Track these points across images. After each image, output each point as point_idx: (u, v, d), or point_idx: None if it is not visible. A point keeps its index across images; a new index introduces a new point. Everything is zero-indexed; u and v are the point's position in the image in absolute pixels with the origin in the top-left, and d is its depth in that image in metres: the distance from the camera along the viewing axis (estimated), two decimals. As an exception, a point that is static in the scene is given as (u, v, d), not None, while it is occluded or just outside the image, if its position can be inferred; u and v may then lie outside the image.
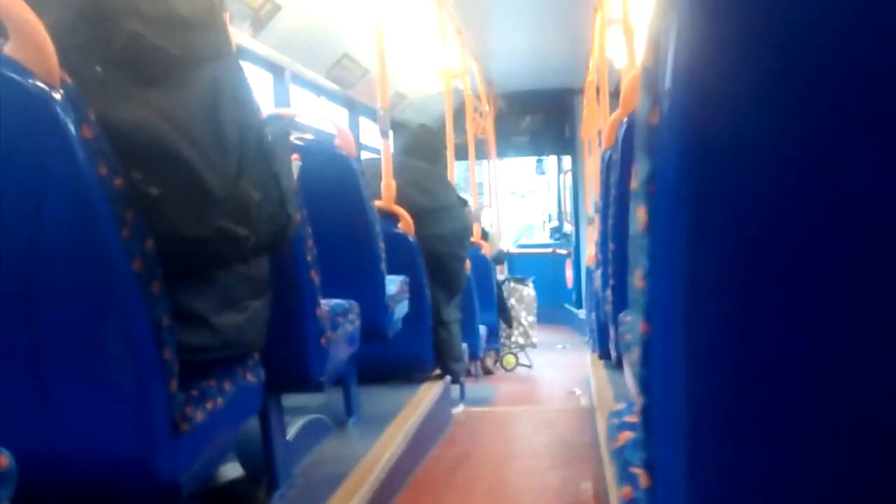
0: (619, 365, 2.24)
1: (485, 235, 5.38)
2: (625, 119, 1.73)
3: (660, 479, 0.54)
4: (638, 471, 0.74)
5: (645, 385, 0.53)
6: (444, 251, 3.09)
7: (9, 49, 0.93)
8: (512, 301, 5.67)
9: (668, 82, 0.42)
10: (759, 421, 0.48)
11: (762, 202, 0.42)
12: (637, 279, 0.50)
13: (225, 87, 1.12)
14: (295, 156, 1.66)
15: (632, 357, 0.55)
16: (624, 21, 2.49)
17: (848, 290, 0.43)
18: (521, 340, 5.69)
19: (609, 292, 1.95)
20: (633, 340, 0.54)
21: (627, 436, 0.80)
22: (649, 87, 0.44)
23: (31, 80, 0.93)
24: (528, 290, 5.83)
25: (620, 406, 0.90)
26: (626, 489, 0.73)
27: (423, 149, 3.17)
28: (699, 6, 0.40)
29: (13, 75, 0.92)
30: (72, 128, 0.95)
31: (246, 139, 1.14)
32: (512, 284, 5.79)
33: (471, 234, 3.47)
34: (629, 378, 1.43)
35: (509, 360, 5.57)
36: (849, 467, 0.46)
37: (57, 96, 0.94)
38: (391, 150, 2.96)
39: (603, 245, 2.18)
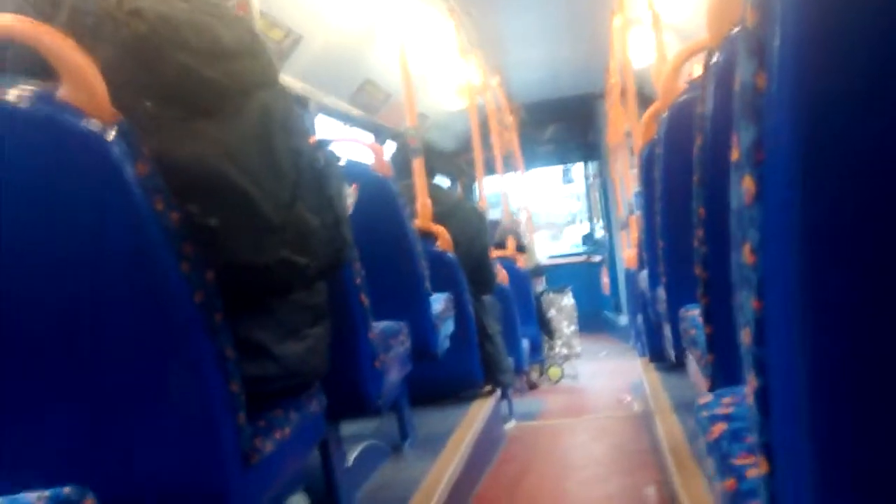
0: (676, 365, 2.19)
1: (521, 249, 5.35)
2: (664, 113, 1.70)
3: (781, 462, 0.51)
4: (742, 461, 0.71)
5: (760, 365, 0.50)
6: (478, 247, 3.06)
7: (62, 92, 0.93)
8: (552, 312, 5.63)
9: (776, 42, 0.40)
10: (890, 396, 0.45)
11: (886, 165, 0.40)
12: (746, 254, 0.48)
13: (275, 115, 1.11)
14: (353, 186, 1.66)
15: (742, 338, 0.52)
16: (653, 15, 2.47)
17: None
18: (564, 351, 5.64)
19: (661, 290, 1.90)
20: (743, 320, 0.51)
21: (722, 427, 0.77)
22: (753, 48, 0.42)
23: (84, 122, 0.93)
24: (567, 300, 5.79)
25: (706, 399, 0.87)
26: (730, 481, 0.70)
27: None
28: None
29: (67, 118, 0.93)
30: (127, 166, 0.95)
31: (299, 165, 1.13)
32: (550, 295, 5.74)
33: (486, 225, 3.41)
34: (696, 372, 1.39)
35: (554, 371, 5.52)
36: None
37: (111, 136, 0.94)
38: (415, 172, 2.92)
39: (649, 243, 2.14)
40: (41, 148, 0.93)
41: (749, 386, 0.52)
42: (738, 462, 0.71)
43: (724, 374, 1.22)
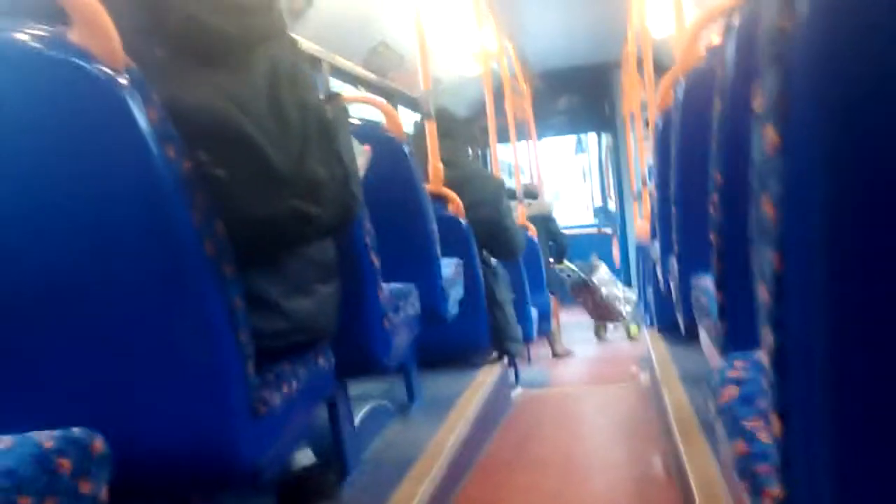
0: (684, 337, 2.18)
1: (533, 195, 5.36)
2: (682, 77, 1.68)
3: (796, 423, 0.50)
4: (753, 423, 0.71)
5: (777, 323, 0.49)
6: (494, 216, 3.05)
7: (72, 35, 0.92)
8: (603, 291, 5.62)
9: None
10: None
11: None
12: (766, 208, 0.47)
13: (283, 67, 1.11)
14: (366, 147, 1.64)
15: (758, 294, 0.51)
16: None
17: None
18: (628, 308, 5.68)
19: (673, 259, 1.89)
20: (760, 276, 0.50)
21: (733, 391, 0.77)
22: (780, -11, 0.40)
23: (95, 66, 0.92)
24: (603, 270, 5.80)
25: (718, 364, 0.87)
26: (739, 444, 0.69)
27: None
28: None
29: (78, 61, 0.92)
30: (138, 112, 0.94)
31: (307, 118, 1.13)
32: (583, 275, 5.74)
33: (505, 191, 3.36)
34: (707, 341, 1.39)
35: (634, 329, 5.63)
36: None
37: (122, 81, 0.93)
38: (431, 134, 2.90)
39: (663, 212, 2.12)
40: (52, 91, 0.92)
41: (764, 344, 0.51)
42: (748, 425, 0.70)
43: (735, 342, 1.20)
